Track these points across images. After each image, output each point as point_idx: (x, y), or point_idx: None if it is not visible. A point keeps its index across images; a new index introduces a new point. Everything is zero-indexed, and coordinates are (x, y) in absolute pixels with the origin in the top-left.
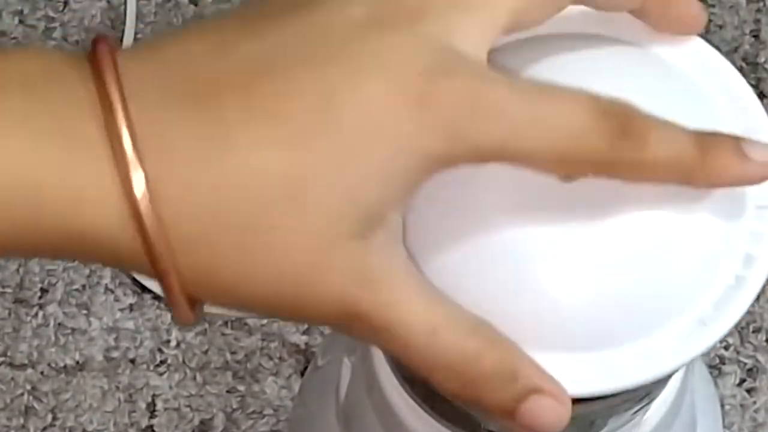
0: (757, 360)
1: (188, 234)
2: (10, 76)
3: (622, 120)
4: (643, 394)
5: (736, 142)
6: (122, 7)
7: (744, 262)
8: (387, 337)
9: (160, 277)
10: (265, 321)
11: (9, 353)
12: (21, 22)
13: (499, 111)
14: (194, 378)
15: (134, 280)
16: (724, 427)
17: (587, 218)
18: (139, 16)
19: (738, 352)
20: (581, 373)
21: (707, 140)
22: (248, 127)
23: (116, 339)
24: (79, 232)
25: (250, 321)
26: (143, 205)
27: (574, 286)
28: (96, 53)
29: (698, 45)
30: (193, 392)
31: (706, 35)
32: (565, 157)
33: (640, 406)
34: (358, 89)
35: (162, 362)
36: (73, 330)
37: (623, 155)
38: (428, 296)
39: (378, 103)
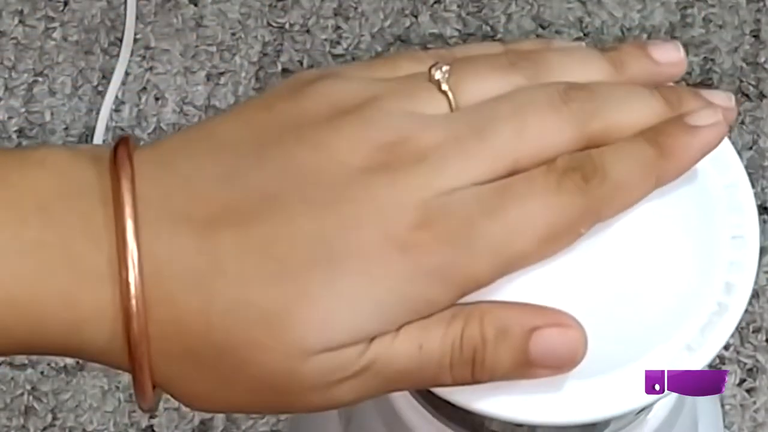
0: (757, 360)
1: (172, 350)
2: (27, 198)
3: (578, 168)
4: None
5: (679, 119)
6: (122, 7)
7: (725, 290)
8: (392, 383)
9: (139, 383)
10: None
11: None
12: (21, 22)
13: (481, 242)
14: None
15: None
16: (725, 427)
17: (578, 256)
18: (139, 16)
19: (738, 352)
20: (574, 401)
21: (655, 132)
22: (239, 262)
23: None
24: (75, 346)
25: None
26: (136, 325)
27: None
28: (117, 170)
29: None
30: None
31: (706, 35)
32: (556, 234)
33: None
34: (352, 236)
35: None
36: None
37: (596, 193)
38: (401, 332)
39: (372, 250)
